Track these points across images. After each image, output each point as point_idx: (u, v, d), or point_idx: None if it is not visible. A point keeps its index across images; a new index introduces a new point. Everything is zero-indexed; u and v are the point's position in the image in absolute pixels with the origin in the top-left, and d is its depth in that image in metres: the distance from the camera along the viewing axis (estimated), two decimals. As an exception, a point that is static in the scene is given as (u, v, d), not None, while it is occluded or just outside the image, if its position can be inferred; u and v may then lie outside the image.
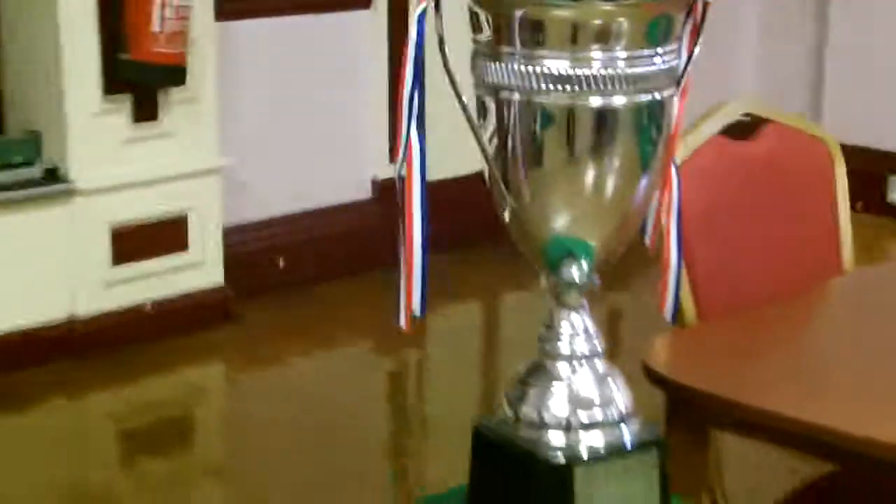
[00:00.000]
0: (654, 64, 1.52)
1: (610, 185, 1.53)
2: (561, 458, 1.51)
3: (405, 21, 2.50)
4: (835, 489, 2.12)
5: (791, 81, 6.14)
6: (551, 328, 1.58)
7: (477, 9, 1.51)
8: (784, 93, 5.92)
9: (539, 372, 1.57)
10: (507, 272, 4.44)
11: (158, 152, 4.47)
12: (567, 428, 1.54)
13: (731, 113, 2.46)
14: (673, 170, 1.67)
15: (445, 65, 1.49)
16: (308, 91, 4.98)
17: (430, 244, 1.46)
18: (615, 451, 1.53)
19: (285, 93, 4.93)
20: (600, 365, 1.58)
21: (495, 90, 1.51)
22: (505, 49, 1.50)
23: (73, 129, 4.27)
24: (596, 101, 1.50)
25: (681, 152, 2.34)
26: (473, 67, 1.54)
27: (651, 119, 1.53)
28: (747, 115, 2.51)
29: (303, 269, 5.00)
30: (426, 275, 1.48)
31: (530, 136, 1.51)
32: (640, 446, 1.55)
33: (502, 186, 1.54)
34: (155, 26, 4.15)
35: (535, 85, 1.49)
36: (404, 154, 1.46)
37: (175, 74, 4.30)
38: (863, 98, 5.87)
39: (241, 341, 4.48)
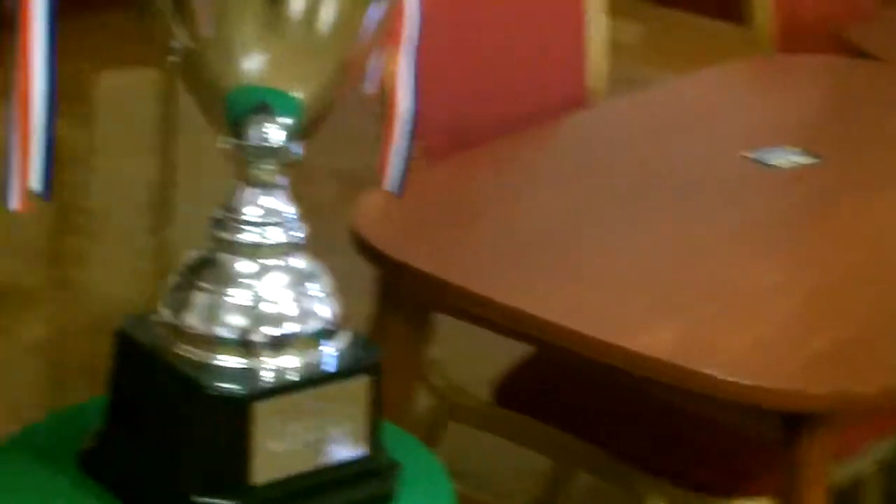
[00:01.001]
0: None
1: (320, 21, 1.10)
2: (235, 389, 1.11)
3: None
4: (541, 369, 1.81)
5: None
6: (232, 211, 1.16)
7: None
8: None
9: (211, 269, 1.15)
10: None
11: None
12: (245, 346, 1.14)
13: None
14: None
15: None
16: None
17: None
18: (310, 378, 1.14)
19: None
20: (299, 263, 1.18)
21: None
22: None
23: None
24: None
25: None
26: None
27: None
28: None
29: None
30: (52, 137, 1.03)
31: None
32: (346, 372, 1.16)
33: (176, 11, 1.09)
34: None
35: None
36: None
37: None
38: None
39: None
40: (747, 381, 1.30)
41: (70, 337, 2.86)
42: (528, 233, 1.59)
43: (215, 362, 1.13)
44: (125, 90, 4.25)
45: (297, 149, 1.15)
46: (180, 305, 1.14)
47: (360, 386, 1.16)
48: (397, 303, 1.56)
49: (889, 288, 1.54)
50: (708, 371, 1.28)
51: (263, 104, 1.12)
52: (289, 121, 1.13)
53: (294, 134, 1.14)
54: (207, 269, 1.15)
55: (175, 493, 1.11)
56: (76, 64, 3.84)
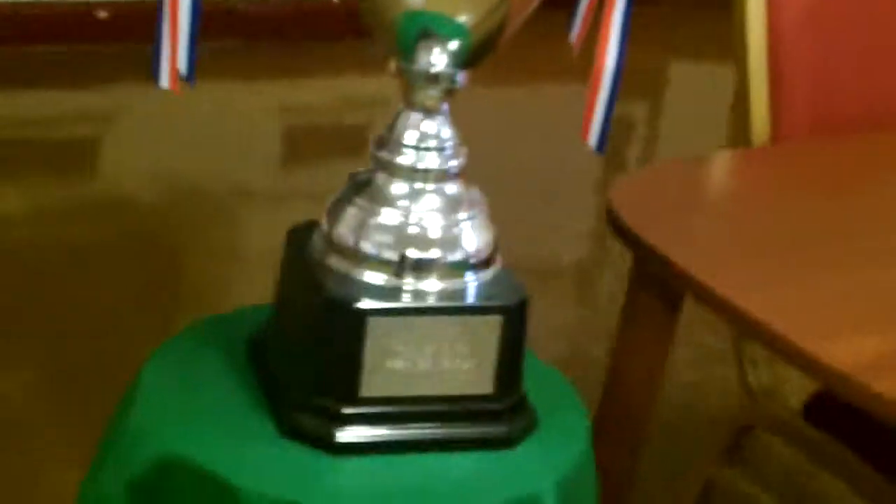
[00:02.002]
0: None
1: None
2: (354, 300, 1.13)
3: None
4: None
5: None
6: (393, 133, 1.18)
7: None
8: None
9: (368, 187, 1.18)
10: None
11: None
12: (388, 265, 1.16)
13: None
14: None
15: None
16: None
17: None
18: (437, 307, 1.15)
19: None
20: (454, 190, 1.18)
21: None
22: None
23: None
24: None
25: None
26: None
27: None
28: None
29: None
30: (196, 29, 1.11)
31: None
32: (477, 308, 1.16)
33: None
34: None
35: None
36: None
37: None
38: None
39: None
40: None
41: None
42: (778, 234, 1.48)
43: (357, 276, 1.16)
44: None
45: (461, 76, 1.16)
46: (336, 219, 1.19)
47: (489, 324, 1.15)
48: (649, 283, 1.50)
49: None
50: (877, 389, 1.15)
51: (428, 29, 1.14)
52: (453, 46, 1.14)
53: (458, 61, 1.15)
54: (364, 187, 1.18)
55: (295, 391, 1.16)
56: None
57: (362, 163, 1.21)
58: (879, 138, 1.77)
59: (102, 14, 3.53)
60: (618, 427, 1.53)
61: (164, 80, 1.12)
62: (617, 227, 1.46)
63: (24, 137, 3.25)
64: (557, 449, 1.18)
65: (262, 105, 3.61)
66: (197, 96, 3.42)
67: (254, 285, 2.27)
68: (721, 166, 1.72)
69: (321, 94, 3.76)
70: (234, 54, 3.68)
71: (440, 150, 1.17)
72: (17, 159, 3.07)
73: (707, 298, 1.34)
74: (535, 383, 1.23)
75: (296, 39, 3.92)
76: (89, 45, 3.77)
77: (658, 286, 1.48)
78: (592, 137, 1.24)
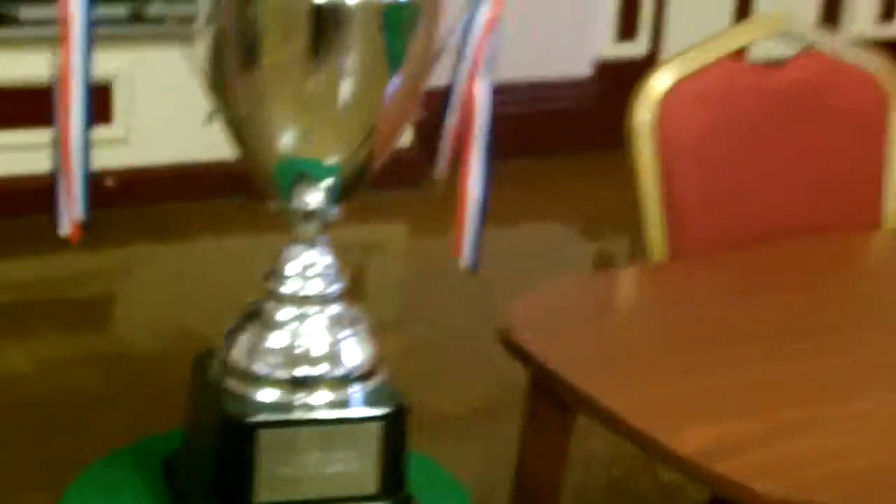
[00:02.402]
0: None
1: (344, 96, 1.25)
2: (244, 416, 1.26)
3: None
4: None
5: None
6: (278, 265, 1.33)
7: None
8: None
9: (259, 315, 1.32)
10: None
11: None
12: (278, 383, 1.30)
13: (752, 33, 2.08)
14: (482, 89, 1.36)
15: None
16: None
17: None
18: (322, 417, 1.27)
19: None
20: (337, 311, 1.32)
21: (208, -27, 1.26)
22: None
23: None
24: (321, -5, 1.22)
25: (674, 71, 2.00)
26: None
27: (396, 22, 1.24)
28: (784, 35, 2.12)
29: (507, 140, 4.70)
30: (87, 173, 1.26)
31: (246, 32, 1.24)
32: (359, 414, 1.28)
33: (219, 94, 1.28)
34: None
35: (248, -32, 1.23)
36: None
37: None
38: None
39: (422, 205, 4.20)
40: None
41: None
42: (655, 342, 1.61)
43: (251, 395, 1.30)
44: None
45: (335, 210, 1.31)
46: (232, 345, 1.32)
47: (370, 430, 1.28)
48: (544, 393, 1.62)
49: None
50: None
51: (302, 173, 1.29)
52: (326, 185, 1.29)
53: (331, 197, 1.30)
54: (256, 315, 1.32)
55: (198, 502, 1.28)
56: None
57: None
58: (759, 253, 1.91)
59: (109, 182, 3.73)
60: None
61: (64, 229, 1.26)
62: (509, 345, 1.60)
63: (44, 298, 3.41)
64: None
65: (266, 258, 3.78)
66: (203, 253, 3.60)
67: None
68: (613, 283, 1.86)
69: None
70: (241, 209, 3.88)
71: (322, 276, 1.31)
72: (29, 318, 3.22)
73: (582, 403, 1.47)
74: (428, 484, 1.35)
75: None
76: (98, 210, 3.97)
77: (553, 395, 1.61)
78: (466, 258, 1.38)
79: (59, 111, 1.22)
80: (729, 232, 2.03)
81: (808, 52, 2.13)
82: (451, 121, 1.35)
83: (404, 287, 3.92)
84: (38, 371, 2.94)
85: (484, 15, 1.33)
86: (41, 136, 3.36)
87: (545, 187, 4.22)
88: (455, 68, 1.35)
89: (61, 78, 1.22)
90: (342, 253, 1.35)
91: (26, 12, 3.48)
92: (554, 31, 4.43)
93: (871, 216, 2.14)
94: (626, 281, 1.89)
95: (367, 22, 1.23)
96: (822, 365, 1.57)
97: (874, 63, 2.14)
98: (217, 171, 3.74)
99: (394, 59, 1.25)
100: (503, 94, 1.43)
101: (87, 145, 1.24)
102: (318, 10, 1.22)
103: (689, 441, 1.31)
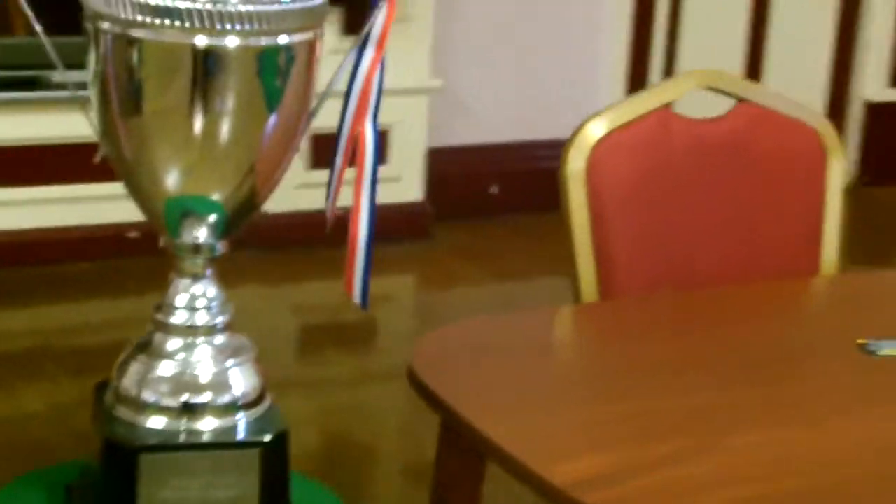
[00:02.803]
0: (279, 2, 1.29)
1: (224, 136, 1.32)
2: (126, 442, 1.32)
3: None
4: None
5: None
6: (167, 298, 1.39)
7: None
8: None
9: (149, 346, 1.38)
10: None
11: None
12: (166, 410, 1.35)
13: (685, 85, 2.13)
14: (369, 134, 1.42)
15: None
16: (534, 12, 4.70)
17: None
18: (203, 442, 1.33)
19: (510, 14, 4.66)
20: (223, 341, 1.38)
21: (94, 20, 1.33)
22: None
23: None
24: (202, 41, 1.29)
25: (607, 120, 2.06)
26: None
27: (272, 64, 1.31)
28: (717, 90, 2.17)
29: (516, 198, 4.78)
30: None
31: (128, 77, 1.32)
32: (240, 441, 1.34)
33: (108, 138, 1.35)
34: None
35: (130, 15, 1.30)
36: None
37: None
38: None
39: (430, 259, 4.30)
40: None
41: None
42: (557, 381, 1.64)
43: (140, 422, 1.36)
44: None
45: (221, 245, 1.37)
46: (122, 374, 1.38)
47: (249, 456, 1.33)
48: (454, 435, 1.66)
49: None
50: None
51: (187, 210, 1.36)
52: (211, 220, 1.35)
53: (217, 232, 1.36)
54: (146, 346, 1.39)
55: (85, 525, 1.34)
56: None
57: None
58: (686, 296, 1.95)
59: (133, 234, 3.86)
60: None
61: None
62: (416, 384, 1.64)
63: (67, 344, 3.51)
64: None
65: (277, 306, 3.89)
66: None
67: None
68: (530, 321, 1.90)
69: (327, 294, 4.03)
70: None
71: (208, 308, 1.38)
72: (42, 363, 3.31)
73: (463, 430, 1.50)
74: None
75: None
76: (122, 260, 4.10)
77: (462, 437, 1.65)
78: (356, 294, 1.44)
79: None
80: (659, 279, 2.09)
81: (742, 103, 2.19)
82: (339, 162, 1.41)
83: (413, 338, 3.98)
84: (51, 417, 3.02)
85: (368, 58, 1.39)
86: (56, 190, 3.54)
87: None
88: (342, 111, 1.41)
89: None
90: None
91: (58, 76, 3.65)
92: (563, 91, 4.52)
93: (807, 264, 2.18)
94: (544, 319, 1.93)
95: (245, 65, 1.30)
96: (724, 398, 1.61)
97: (811, 115, 2.19)
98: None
99: (271, 100, 1.32)
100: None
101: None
102: (198, 54, 1.29)
103: (566, 472, 1.35)
